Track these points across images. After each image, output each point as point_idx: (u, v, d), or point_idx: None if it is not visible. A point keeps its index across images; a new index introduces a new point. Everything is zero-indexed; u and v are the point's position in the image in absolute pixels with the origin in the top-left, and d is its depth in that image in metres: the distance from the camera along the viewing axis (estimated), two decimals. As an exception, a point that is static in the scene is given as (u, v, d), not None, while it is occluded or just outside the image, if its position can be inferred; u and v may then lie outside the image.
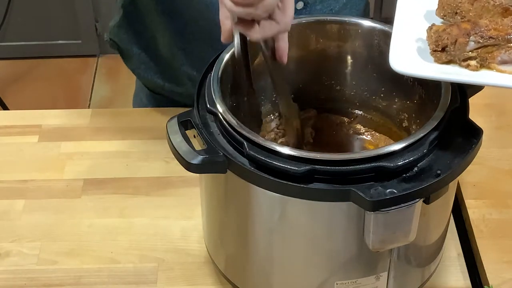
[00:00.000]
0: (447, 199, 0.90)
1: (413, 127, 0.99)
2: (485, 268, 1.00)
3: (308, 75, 1.03)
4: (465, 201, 1.09)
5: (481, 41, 0.80)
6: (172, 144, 0.84)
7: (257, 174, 0.80)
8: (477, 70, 0.81)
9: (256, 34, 0.83)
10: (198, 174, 0.90)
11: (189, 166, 0.82)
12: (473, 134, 0.83)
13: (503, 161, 1.15)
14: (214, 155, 0.82)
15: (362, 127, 1.04)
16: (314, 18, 1.00)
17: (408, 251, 0.88)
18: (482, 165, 1.13)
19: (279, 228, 0.86)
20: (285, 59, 0.88)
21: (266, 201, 0.84)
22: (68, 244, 1.05)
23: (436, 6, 0.87)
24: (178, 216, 1.09)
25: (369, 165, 0.79)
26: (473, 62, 0.81)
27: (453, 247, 1.04)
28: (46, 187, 1.13)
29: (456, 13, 0.86)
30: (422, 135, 0.81)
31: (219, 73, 0.89)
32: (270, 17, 0.82)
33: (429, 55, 0.82)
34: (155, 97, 1.33)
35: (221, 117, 0.84)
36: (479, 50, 0.80)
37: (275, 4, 0.80)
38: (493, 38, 0.80)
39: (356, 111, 1.05)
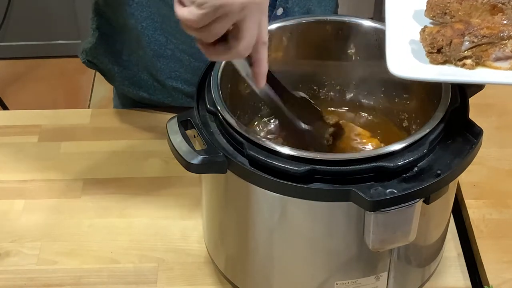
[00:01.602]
0: (447, 199, 0.90)
1: (413, 127, 0.99)
2: (485, 268, 1.00)
3: (308, 75, 1.03)
4: (465, 201, 1.09)
5: (475, 40, 0.81)
6: (172, 144, 0.84)
7: (257, 174, 0.80)
8: (473, 69, 0.82)
9: (210, 56, 0.81)
10: (198, 174, 0.90)
11: (189, 166, 0.82)
12: (473, 134, 0.83)
13: (503, 161, 1.15)
14: (214, 155, 0.82)
15: (363, 127, 1.04)
16: (314, 18, 1.00)
17: (408, 251, 0.88)
18: (482, 165, 1.13)
19: (279, 228, 0.86)
20: (260, 84, 0.84)
21: (266, 201, 0.84)
22: (68, 244, 1.05)
23: (424, 7, 0.88)
24: (178, 216, 1.09)
25: (369, 165, 0.79)
26: (468, 61, 0.82)
27: (453, 247, 1.04)
28: (46, 187, 1.13)
29: (445, 13, 0.87)
30: (422, 135, 0.81)
31: (219, 73, 0.89)
32: (227, 40, 0.79)
33: (424, 56, 0.83)
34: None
35: (221, 117, 0.84)
36: (474, 49, 0.81)
37: (222, 29, 0.77)
38: (487, 37, 0.81)
39: (356, 111, 1.05)
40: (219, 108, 0.85)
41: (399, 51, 0.84)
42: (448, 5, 0.87)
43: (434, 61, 0.83)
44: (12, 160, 1.18)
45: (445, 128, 0.83)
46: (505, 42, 0.82)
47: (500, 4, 0.85)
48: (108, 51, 1.24)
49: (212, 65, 0.91)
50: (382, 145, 1.00)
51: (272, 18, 1.12)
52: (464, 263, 1.02)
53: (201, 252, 1.03)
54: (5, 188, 1.13)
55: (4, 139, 1.21)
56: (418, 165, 0.80)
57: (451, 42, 0.81)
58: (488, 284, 0.98)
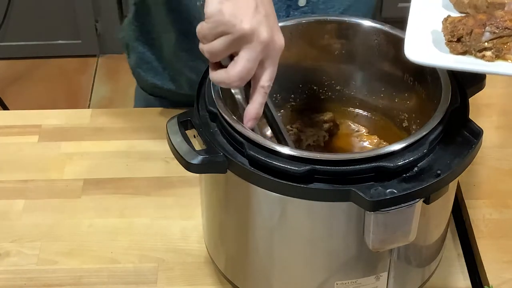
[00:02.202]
0: (447, 199, 0.90)
1: (413, 127, 0.99)
2: (485, 268, 1.00)
3: (308, 75, 1.03)
4: (465, 201, 1.09)
5: (496, 31, 0.80)
6: (172, 144, 0.84)
7: (257, 174, 0.80)
8: (492, 61, 0.81)
9: (211, 75, 0.84)
10: (198, 174, 0.90)
11: (189, 166, 0.82)
12: (473, 134, 0.83)
13: (503, 161, 1.15)
14: (214, 155, 0.82)
15: (362, 127, 1.04)
16: (314, 18, 1.00)
17: (408, 251, 0.88)
18: (482, 165, 1.13)
19: (279, 228, 0.86)
20: (250, 124, 0.84)
21: (266, 201, 0.84)
22: (68, 244, 1.05)
23: None
24: (178, 216, 1.09)
25: (369, 165, 0.78)
26: (488, 53, 0.81)
27: (453, 247, 1.04)
28: (46, 187, 1.13)
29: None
30: (422, 135, 0.81)
31: (219, 73, 0.89)
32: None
33: (444, 46, 0.82)
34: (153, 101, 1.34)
35: (221, 117, 0.84)
36: (494, 40, 0.80)
37: (222, 49, 0.80)
38: (509, 29, 0.80)
39: (356, 111, 1.05)
40: (219, 108, 0.85)
41: (418, 38, 0.83)
42: None
43: (453, 51, 0.82)
44: (12, 160, 1.18)
45: (445, 128, 0.83)
46: None
47: None
48: (138, 28, 1.24)
49: (212, 65, 0.91)
50: (381, 142, 1.00)
51: (293, 8, 1.12)
52: (464, 263, 1.02)
53: (201, 252, 1.03)
54: (5, 188, 1.13)
55: (4, 139, 1.21)
56: (418, 165, 0.80)
57: (471, 31, 0.80)
58: (488, 284, 0.98)
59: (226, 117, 0.83)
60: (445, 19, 0.83)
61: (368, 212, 0.78)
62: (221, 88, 0.87)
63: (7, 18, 2.83)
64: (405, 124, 1.01)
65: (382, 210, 0.77)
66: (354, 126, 1.04)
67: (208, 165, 0.82)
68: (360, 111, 1.04)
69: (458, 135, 0.84)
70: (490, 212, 1.07)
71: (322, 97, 1.05)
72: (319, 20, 1.00)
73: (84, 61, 2.95)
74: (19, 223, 1.08)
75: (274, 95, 1.03)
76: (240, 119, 0.84)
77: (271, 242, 0.88)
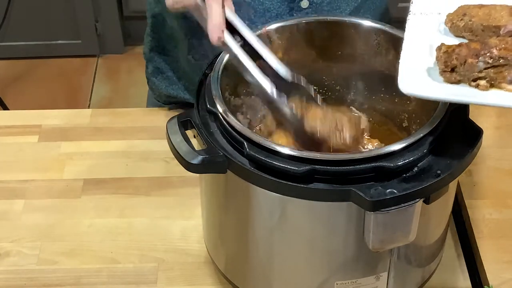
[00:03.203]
0: (447, 199, 0.90)
1: (413, 127, 0.99)
2: (485, 268, 1.00)
3: (308, 75, 1.03)
4: (465, 201, 1.09)
5: (490, 61, 0.79)
6: (172, 144, 0.84)
7: (257, 174, 0.80)
8: (486, 90, 0.80)
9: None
10: (198, 174, 0.90)
11: (189, 166, 0.82)
12: (473, 134, 0.83)
13: (503, 161, 1.15)
14: (214, 155, 0.82)
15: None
16: (314, 18, 1.00)
17: (408, 251, 0.88)
18: (482, 165, 1.13)
19: (279, 228, 0.86)
20: (215, 36, 0.86)
21: (266, 201, 0.84)
22: (68, 244, 1.05)
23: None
24: (178, 216, 1.09)
25: (369, 165, 0.79)
26: (482, 82, 0.80)
27: (453, 247, 1.04)
28: (46, 187, 1.13)
29: (465, 14, 0.86)
30: (422, 135, 0.81)
31: (219, 73, 0.89)
32: None
33: (438, 75, 0.81)
34: None
35: (221, 117, 0.84)
36: (488, 70, 0.79)
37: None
38: (503, 58, 0.79)
39: (356, 111, 1.05)
40: (219, 108, 0.85)
41: (413, 68, 0.82)
42: (467, 10, 0.86)
43: (447, 80, 0.81)
44: (12, 160, 1.18)
45: (445, 128, 0.83)
46: None
47: None
48: (155, 39, 1.25)
49: (212, 65, 0.91)
50: (381, 143, 1.00)
51: (296, 10, 1.12)
52: (464, 263, 1.02)
53: (201, 252, 1.03)
54: (5, 188, 1.13)
55: (4, 139, 1.21)
56: (418, 165, 0.80)
57: (465, 61, 0.79)
58: (488, 284, 0.98)
59: (226, 117, 0.83)
60: (439, 48, 0.82)
61: (368, 212, 0.78)
62: (221, 88, 0.87)
63: (7, 18, 2.83)
64: (405, 124, 1.01)
65: (382, 210, 0.77)
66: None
67: (208, 165, 0.82)
68: (360, 111, 1.04)
69: (458, 135, 0.84)
70: (490, 212, 1.08)
71: (322, 97, 1.05)
72: (319, 20, 1.00)
73: (84, 61, 2.95)
74: (19, 223, 1.08)
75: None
76: (240, 118, 0.84)
77: (271, 242, 0.88)
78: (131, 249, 1.05)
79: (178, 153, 0.83)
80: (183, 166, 0.83)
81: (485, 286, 0.98)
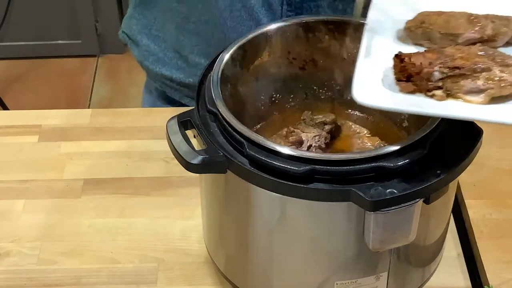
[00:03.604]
0: (447, 199, 0.90)
1: (413, 127, 0.99)
2: (485, 268, 1.00)
3: (308, 75, 1.03)
4: (465, 201, 1.09)
5: (445, 71, 0.77)
6: (172, 144, 0.84)
7: (257, 174, 0.80)
8: (443, 100, 0.78)
9: None
10: (198, 174, 0.90)
11: (189, 166, 0.82)
12: (473, 134, 0.83)
13: (503, 161, 1.15)
14: (214, 155, 0.82)
15: (362, 127, 1.04)
16: (314, 18, 1.00)
17: (408, 251, 0.88)
18: (482, 165, 1.13)
19: (279, 228, 0.86)
20: None
21: (266, 201, 0.84)
22: (68, 244, 1.05)
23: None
24: (178, 216, 1.09)
25: (369, 165, 0.78)
26: (439, 92, 0.78)
27: (453, 247, 1.04)
28: (46, 187, 1.13)
29: (424, 22, 0.84)
30: (422, 135, 0.81)
31: (219, 73, 0.89)
32: None
33: (394, 84, 0.79)
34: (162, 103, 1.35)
35: (221, 117, 0.84)
36: (445, 80, 0.77)
37: None
38: (459, 68, 0.77)
39: (356, 112, 1.05)
40: (219, 108, 0.85)
41: (368, 77, 0.80)
42: (426, 17, 0.84)
43: (403, 90, 0.78)
44: (12, 160, 1.18)
45: (445, 128, 0.83)
46: (477, 75, 0.77)
47: (475, 16, 0.83)
48: (141, 22, 1.25)
49: (212, 65, 0.91)
50: (382, 142, 1.00)
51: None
52: (464, 263, 1.02)
53: (201, 252, 1.03)
54: (5, 188, 1.13)
55: (4, 139, 1.21)
56: (418, 165, 0.80)
57: (421, 71, 0.77)
58: (488, 284, 0.98)
59: (226, 117, 0.83)
60: (396, 56, 0.80)
61: (368, 212, 0.78)
62: (221, 88, 0.87)
63: (7, 18, 2.84)
64: (405, 124, 1.01)
65: (382, 210, 0.77)
66: (355, 127, 1.04)
67: (208, 165, 0.82)
68: (360, 111, 1.04)
69: (458, 135, 0.84)
70: (490, 212, 1.08)
71: (322, 97, 1.05)
72: (320, 19, 1.00)
73: (84, 61, 2.96)
74: (19, 223, 1.08)
75: (274, 95, 1.03)
76: (240, 118, 0.84)
77: (271, 242, 0.88)
78: (131, 249, 1.05)
79: (178, 153, 0.83)
80: (183, 166, 0.83)
81: (485, 286, 0.98)
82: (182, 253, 1.04)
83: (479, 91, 0.77)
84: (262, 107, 1.02)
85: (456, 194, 1.05)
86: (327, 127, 0.99)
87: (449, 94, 0.78)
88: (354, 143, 1.02)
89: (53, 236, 1.06)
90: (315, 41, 1.00)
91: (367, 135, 1.02)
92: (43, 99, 2.73)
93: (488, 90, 0.76)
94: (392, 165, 0.78)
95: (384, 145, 0.82)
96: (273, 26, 0.97)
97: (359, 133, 1.02)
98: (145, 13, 1.25)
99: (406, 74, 0.78)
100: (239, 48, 0.94)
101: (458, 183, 1.10)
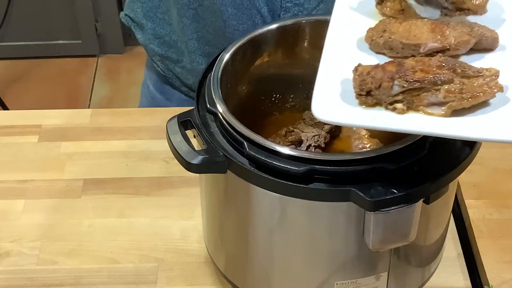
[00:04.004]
0: (447, 199, 0.90)
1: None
2: (485, 268, 1.00)
3: (308, 75, 1.03)
4: (465, 201, 1.09)
5: (405, 85, 0.75)
6: (172, 144, 0.84)
7: (257, 174, 0.80)
8: (403, 113, 0.76)
9: None
10: (198, 174, 0.90)
11: (189, 166, 0.82)
12: (473, 134, 0.83)
13: (503, 161, 1.15)
14: (214, 155, 0.82)
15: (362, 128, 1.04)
16: (314, 18, 1.00)
17: (408, 251, 0.88)
18: (482, 165, 1.13)
19: (279, 228, 0.86)
20: None
21: (266, 201, 0.84)
22: (68, 244, 1.05)
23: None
24: (178, 216, 1.09)
25: (369, 165, 0.78)
26: (399, 105, 0.76)
27: (453, 247, 1.04)
28: (46, 187, 1.13)
29: (385, 30, 0.82)
30: (422, 135, 0.81)
31: (219, 73, 0.89)
32: None
33: (354, 98, 0.77)
34: (162, 86, 1.34)
35: (221, 117, 0.84)
36: (405, 93, 0.76)
37: None
38: (419, 82, 0.75)
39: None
40: (219, 108, 0.85)
41: (328, 92, 0.78)
42: (388, 25, 0.82)
43: (363, 104, 0.76)
44: (12, 160, 1.18)
45: (445, 128, 0.83)
46: (438, 87, 0.75)
47: (437, 24, 0.81)
48: (146, 5, 1.26)
49: (212, 64, 0.91)
50: (382, 143, 1.00)
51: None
52: (464, 263, 1.02)
53: (201, 252, 1.03)
54: (5, 188, 1.13)
55: (4, 139, 1.21)
56: (418, 165, 0.80)
57: (380, 85, 0.76)
58: (488, 284, 0.98)
59: (226, 117, 0.83)
60: (356, 69, 0.78)
61: (368, 212, 0.78)
62: (221, 88, 0.87)
63: (7, 18, 2.84)
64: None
65: (382, 210, 0.77)
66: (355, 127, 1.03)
67: (208, 165, 0.82)
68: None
69: (458, 135, 0.84)
70: (490, 212, 1.08)
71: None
72: (319, 20, 1.00)
73: (84, 61, 2.96)
74: (19, 223, 1.08)
75: (274, 95, 1.03)
76: (240, 118, 0.84)
77: (271, 242, 0.88)
78: (131, 249, 1.05)
79: (178, 153, 0.83)
80: (183, 166, 0.83)
81: (485, 286, 0.98)
82: (182, 253, 1.04)
83: (440, 103, 0.75)
84: (262, 107, 1.02)
85: (456, 194, 1.05)
86: (327, 127, 0.99)
87: (410, 107, 0.76)
88: (354, 144, 1.02)
89: (53, 236, 1.06)
90: (315, 41, 1.00)
91: (367, 135, 1.02)
92: (43, 99, 2.73)
93: (450, 103, 0.75)
94: (392, 165, 0.78)
95: (384, 146, 0.82)
96: (273, 26, 0.97)
97: (359, 133, 1.02)
98: None
99: (366, 88, 0.76)
100: (239, 48, 0.94)
101: (458, 183, 1.10)
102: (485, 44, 0.82)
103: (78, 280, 1.01)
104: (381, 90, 0.75)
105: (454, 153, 0.82)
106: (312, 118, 1.01)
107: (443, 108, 0.75)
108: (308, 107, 1.03)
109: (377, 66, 0.77)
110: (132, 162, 1.17)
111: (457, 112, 0.76)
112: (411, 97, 0.76)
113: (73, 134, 1.22)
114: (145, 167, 1.16)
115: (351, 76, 0.78)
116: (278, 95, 1.03)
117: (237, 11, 1.17)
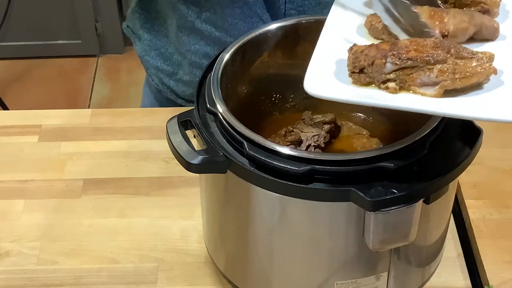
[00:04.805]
0: (447, 199, 0.90)
1: (413, 127, 0.99)
2: (485, 268, 1.00)
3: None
4: (465, 201, 1.09)
5: (398, 63, 0.75)
6: (172, 144, 0.84)
7: (257, 174, 0.80)
8: (396, 93, 0.76)
9: None
10: (198, 174, 0.90)
11: (189, 166, 0.82)
12: (473, 134, 0.83)
13: (503, 161, 1.15)
14: (214, 155, 0.82)
15: (362, 128, 1.04)
16: (314, 18, 1.00)
17: (408, 251, 0.88)
18: (482, 165, 1.13)
19: (279, 228, 0.86)
20: None
21: (266, 201, 0.84)
22: (68, 244, 1.05)
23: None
24: (178, 216, 1.09)
25: (369, 165, 0.78)
26: (392, 84, 0.76)
27: (453, 247, 1.04)
28: (46, 187, 1.13)
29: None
30: (422, 135, 0.81)
31: (219, 73, 0.89)
32: None
33: (347, 77, 0.78)
34: (157, 102, 1.34)
35: (221, 117, 0.84)
36: (398, 72, 0.76)
37: None
38: (412, 60, 0.75)
39: (357, 113, 1.04)
40: (219, 108, 0.85)
41: (322, 69, 0.79)
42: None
43: (356, 82, 0.77)
44: (12, 160, 1.18)
45: (445, 128, 0.83)
46: (431, 67, 0.75)
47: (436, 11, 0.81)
48: (143, 16, 1.25)
49: (212, 64, 0.91)
50: (382, 143, 1.00)
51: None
52: (464, 263, 1.02)
53: (201, 252, 1.03)
54: (5, 188, 1.13)
55: (4, 139, 1.21)
56: (418, 165, 0.80)
57: (373, 62, 0.76)
58: (488, 284, 0.98)
59: (226, 117, 0.83)
60: (351, 49, 0.78)
61: (368, 212, 0.78)
62: (221, 87, 0.87)
63: (7, 18, 2.84)
64: (405, 124, 1.01)
65: (382, 210, 0.77)
66: (355, 127, 1.04)
67: (208, 165, 0.82)
68: (360, 111, 1.04)
69: (458, 135, 0.84)
70: (490, 212, 1.08)
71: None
72: (320, 19, 1.00)
73: (84, 61, 2.96)
74: (19, 223, 1.08)
75: (274, 95, 1.03)
76: (239, 118, 0.84)
77: (271, 242, 0.88)
78: (131, 249, 1.05)
79: (178, 153, 0.83)
80: (183, 166, 0.83)
81: (485, 286, 0.98)
82: (182, 253, 1.04)
83: (432, 83, 0.76)
84: (262, 107, 1.02)
85: (456, 194, 1.05)
86: (326, 127, 0.99)
87: (402, 87, 0.76)
88: (354, 144, 1.02)
89: (53, 236, 1.06)
90: (315, 41, 1.00)
91: (367, 136, 1.02)
92: (43, 99, 2.73)
93: (442, 83, 0.75)
94: (392, 165, 0.78)
95: (384, 146, 0.82)
96: (273, 26, 0.97)
97: (359, 133, 1.02)
98: (148, 8, 1.25)
99: (359, 65, 0.77)
100: (239, 48, 0.94)
101: (458, 183, 1.10)
102: (485, 33, 0.82)
103: (78, 280, 1.01)
104: (374, 68, 0.76)
105: (454, 153, 0.82)
106: (312, 118, 1.01)
107: (435, 88, 0.76)
108: (308, 107, 1.04)
109: (371, 45, 0.78)
110: (132, 162, 1.17)
111: (449, 93, 0.76)
112: (404, 76, 0.76)
113: (73, 134, 1.22)
114: (145, 167, 1.16)
115: (346, 57, 0.78)
116: (278, 95, 1.03)
117: (238, 20, 1.17)
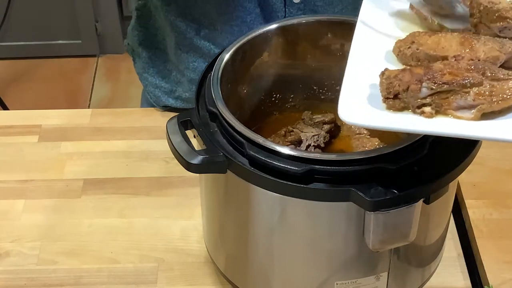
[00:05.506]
0: (447, 199, 0.90)
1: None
2: (485, 268, 1.00)
3: (308, 75, 1.03)
4: (465, 201, 1.09)
5: (434, 87, 0.74)
6: (172, 144, 0.84)
7: (257, 174, 0.80)
8: (432, 117, 0.75)
9: None
10: (198, 174, 0.90)
11: (189, 166, 0.82)
12: (473, 134, 0.83)
13: (503, 161, 1.15)
14: (214, 155, 0.82)
15: (362, 128, 1.04)
16: (314, 18, 1.00)
17: (408, 251, 0.88)
18: (482, 165, 1.13)
19: (279, 228, 0.86)
20: None
21: (266, 201, 0.84)
22: (68, 244, 1.05)
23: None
24: (178, 216, 1.09)
25: (369, 165, 0.78)
26: (427, 109, 0.75)
27: (453, 247, 1.04)
28: (46, 187, 1.13)
29: (413, 42, 0.81)
30: (422, 135, 0.81)
31: (219, 73, 0.89)
32: None
33: (381, 102, 0.76)
34: None
35: (221, 117, 0.84)
36: (433, 96, 0.74)
37: None
38: (448, 84, 0.74)
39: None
40: (219, 108, 0.85)
41: (355, 95, 0.77)
42: (417, 37, 0.81)
43: (391, 108, 0.75)
44: (12, 160, 1.18)
45: (445, 128, 0.83)
46: (467, 90, 0.73)
47: (467, 38, 0.79)
48: (142, 33, 1.24)
49: (212, 65, 0.91)
50: (382, 143, 1.00)
51: (288, 4, 1.12)
52: (464, 263, 1.02)
53: (201, 252, 1.03)
54: (5, 188, 1.13)
55: (4, 139, 1.21)
56: (418, 165, 0.80)
57: (408, 87, 0.74)
58: (488, 284, 0.98)
59: (226, 117, 0.83)
60: (382, 73, 0.77)
61: (368, 212, 0.78)
62: (221, 88, 0.87)
63: (7, 18, 2.84)
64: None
65: (382, 210, 0.77)
66: (354, 127, 1.03)
67: (208, 165, 0.82)
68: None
69: (458, 135, 0.84)
70: (490, 212, 1.08)
71: (322, 97, 1.05)
72: (320, 19, 1.00)
73: (84, 61, 2.95)
74: (19, 223, 1.08)
75: (274, 95, 1.03)
76: (239, 117, 0.84)
77: (271, 242, 0.88)
78: (131, 249, 1.05)
79: (178, 153, 0.83)
80: (183, 166, 0.83)
81: (485, 286, 0.98)
82: (182, 253, 1.04)
83: (469, 107, 0.74)
84: (262, 107, 1.02)
85: (456, 194, 1.05)
86: (326, 127, 0.99)
87: (438, 111, 0.75)
88: (354, 144, 1.02)
89: (53, 236, 1.06)
90: (315, 41, 1.00)
91: (367, 135, 1.02)
92: (43, 99, 2.73)
93: (479, 106, 0.74)
94: (392, 165, 0.78)
95: (384, 146, 0.82)
96: (273, 26, 0.97)
97: (359, 133, 1.02)
98: (147, 25, 1.24)
99: (393, 91, 0.75)
100: (239, 48, 0.94)
101: (458, 183, 1.10)
102: None
103: (78, 280, 1.01)
104: (409, 93, 0.74)
105: (454, 153, 0.82)
106: (311, 118, 1.01)
107: (472, 111, 0.74)
108: (308, 107, 1.04)
109: (404, 69, 0.76)
110: (132, 162, 1.17)
111: (486, 116, 0.74)
112: (440, 100, 0.74)
113: (73, 134, 1.22)
114: (145, 167, 1.16)
115: (377, 81, 0.77)
116: (278, 95, 1.03)
117: (237, 37, 1.15)
